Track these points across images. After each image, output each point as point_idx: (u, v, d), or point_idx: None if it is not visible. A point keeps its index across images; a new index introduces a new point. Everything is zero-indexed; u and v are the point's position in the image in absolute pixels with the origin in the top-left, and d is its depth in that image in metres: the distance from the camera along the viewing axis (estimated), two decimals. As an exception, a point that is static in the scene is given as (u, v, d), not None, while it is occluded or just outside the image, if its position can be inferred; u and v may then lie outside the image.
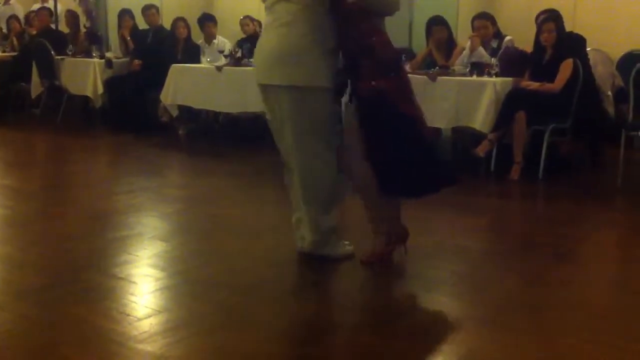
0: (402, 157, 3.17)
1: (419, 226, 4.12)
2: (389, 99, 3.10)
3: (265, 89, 3.18)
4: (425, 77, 5.73)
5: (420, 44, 6.92)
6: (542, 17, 5.74)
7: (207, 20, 7.83)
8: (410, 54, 6.72)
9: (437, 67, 5.96)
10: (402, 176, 3.19)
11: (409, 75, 5.85)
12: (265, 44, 3.17)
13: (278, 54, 3.07)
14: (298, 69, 3.04)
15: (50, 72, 8.16)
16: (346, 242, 3.44)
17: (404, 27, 7.94)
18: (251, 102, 6.66)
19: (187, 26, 7.80)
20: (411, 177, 3.20)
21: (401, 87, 3.20)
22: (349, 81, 3.19)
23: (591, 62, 5.81)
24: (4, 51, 9.05)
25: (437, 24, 6.32)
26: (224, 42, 7.84)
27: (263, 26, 3.24)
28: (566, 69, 5.37)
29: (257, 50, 3.25)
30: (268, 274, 3.28)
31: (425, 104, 5.70)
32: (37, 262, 3.44)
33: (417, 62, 6.33)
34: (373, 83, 3.09)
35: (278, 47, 3.07)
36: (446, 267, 3.45)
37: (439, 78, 5.67)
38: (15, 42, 9.21)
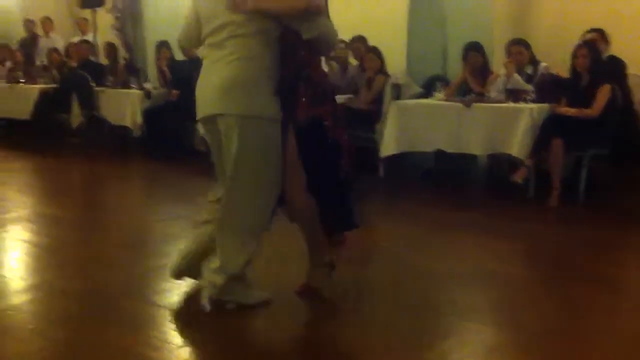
0: (330, 187, 3.18)
1: (454, 251, 4.12)
2: (324, 127, 3.15)
3: (215, 119, 3.08)
4: (460, 104, 5.74)
5: (454, 71, 6.91)
6: (581, 39, 5.72)
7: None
8: (444, 81, 6.72)
9: (472, 94, 5.96)
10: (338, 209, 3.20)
11: (445, 102, 5.98)
12: (218, 76, 3.07)
13: (236, 85, 3.02)
14: (255, 99, 3.02)
15: (90, 103, 8.35)
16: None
17: (438, 54, 7.94)
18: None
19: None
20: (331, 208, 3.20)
21: (335, 116, 3.23)
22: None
23: (631, 86, 5.75)
24: (45, 82, 9.27)
25: (472, 50, 6.31)
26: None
27: (208, 60, 3.15)
28: (603, 94, 5.32)
29: (206, 83, 3.13)
30: (301, 300, 3.28)
31: (460, 131, 5.75)
32: (77, 289, 3.49)
33: (452, 89, 6.33)
34: (312, 110, 3.13)
35: (237, 78, 3.02)
36: (481, 293, 3.42)
37: (475, 105, 5.67)
38: (55, 73, 9.43)
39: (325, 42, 3.12)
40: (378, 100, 6.67)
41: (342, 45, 7.56)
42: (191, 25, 3.23)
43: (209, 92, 3.10)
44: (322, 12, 3.05)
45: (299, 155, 3.12)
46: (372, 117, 6.56)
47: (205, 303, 3.09)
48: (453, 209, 5.28)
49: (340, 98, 7.01)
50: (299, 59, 3.11)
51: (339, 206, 3.24)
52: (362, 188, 3.45)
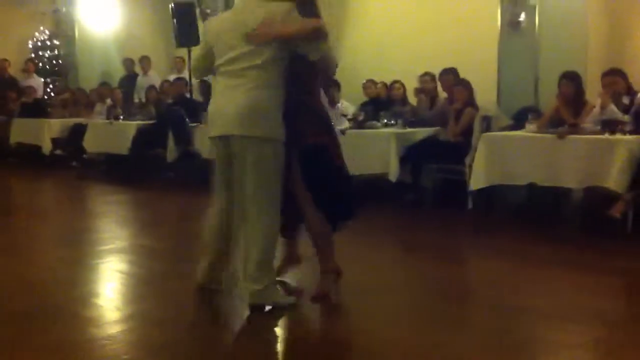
0: (336, 196, 3.70)
1: (547, 288, 3.98)
2: (328, 152, 3.63)
3: (231, 139, 3.53)
4: (553, 135, 5.58)
5: (547, 102, 6.77)
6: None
7: (330, 86, 8.05)
8: (536, 112, 6.57)
9: (566, 125, 5.79)
10: (338, 209, 3.73)
11: (536, 133, 5.84)
12: (238, 101, 3.50)
13: (255, 110, 3.47)
14: (270, 124, 3.49)
15: (184, 138, 8.64)
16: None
17: (529, 85, 7.81)
18: (373, 164, 6.73)
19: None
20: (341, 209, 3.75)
21: (335, 141, 3.72)
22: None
23: None
24: (142, 119, 9.67)
25: (565, 79, 6.12)
26: (347, 105, 8.01)
27: (224, 85, 3.62)
28: None
29: (223, 105, 3.57)
30: (387, 334, 3.24)
31: (554, 164, 5.58)
32: (172, 319, 3.57)
33: (544, 120, 6.15)
34: (317, 138, 3.59)
35: (256, 104, 3.47)
36: (576, 332, 3.27)
37: (569, 136, 5.50)
38: (152, 110, 9.83)
39: (329, 63, 3.62)
40: (467, 133, 6.59)
41: (428, 77, 7.55)
42: (205, 57, 3.76)
43: (228, 115, 3.52)
44: (325, 36, 3.51)
45: (302, 176, 3.58)
46: (460, 149, 6.48)
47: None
48: (546, 244, 5.11)
49: (428, 130, 7.01)
50: (300, 86, 3.56)
51: (341, 205, 3.75)
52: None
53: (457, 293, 4.02)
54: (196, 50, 3.90)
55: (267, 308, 3.52)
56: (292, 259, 4.06)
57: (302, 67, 3.52)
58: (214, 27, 3.77)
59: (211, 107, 3.68)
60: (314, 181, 3.59)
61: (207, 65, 3.78)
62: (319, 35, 3.48)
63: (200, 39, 3.82)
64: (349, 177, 3.84)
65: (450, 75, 7.25)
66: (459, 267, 4.68)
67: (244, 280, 3.59)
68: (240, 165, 3.54)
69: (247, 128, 3.46)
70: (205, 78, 8.62)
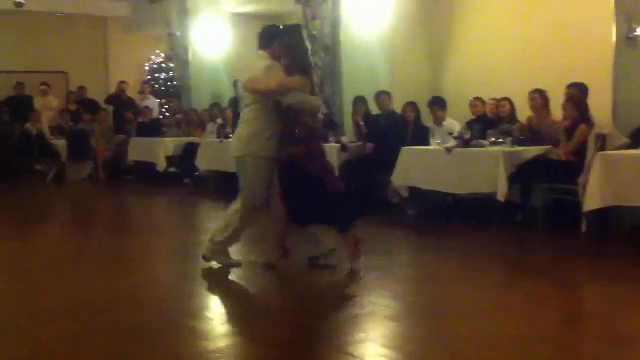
0: (307, 200, 4.77)
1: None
2: (297, 162, 4.78)
3: (237, 158, 5.03)
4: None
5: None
6: None
7: (436, 104, 7.99)
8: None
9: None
10: (304, 210, 4.84)
11: None
12: (239, 131, 5.06)
13: (238, 138, 5.04)
14: (248, 146, 4.92)
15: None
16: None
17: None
18: (480, 184, 6.61)
19: (415, 110, 8.02)
20: (314, 212, 4.83)
21: (310, 153, 4.85)
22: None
23: None
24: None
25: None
26: (454, 124, 7.91)
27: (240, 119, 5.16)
28: None
29: (235, 135, 5.26)
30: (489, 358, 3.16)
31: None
32: (275, 337, 3.62)
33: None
34: (289, 151, 4.80)
35: (239, 133, 5.04)
36: None
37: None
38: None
39: (305, 108, 4.91)
40: (580, 151, 6.35)
41: (537, 94, 7.32)
42: None
43: (236, 141, 5.08)
44: (294, 89, 4.83)
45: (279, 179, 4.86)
46: (573, 168, 6.25)
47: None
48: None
49: (538, 149, 6.80)
50: (298, 124, 4.84)
51: (332, 213, 4.82)
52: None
53: (564, 319, 3.87)
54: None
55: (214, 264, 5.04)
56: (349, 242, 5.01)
57: (285, 109, 4.82)
58: None
59: None
60: (286, 185, 4.82)
61: None
62: (285, 90, 4.81)
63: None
64: (328, 184, 4.83)
65: (571, 90, 6.98)
66: (569, 292, 4.51)
67: (209, 241, 5.11)
68: (242, 174, 5.04)
69: (233, 150, 5.03)
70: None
